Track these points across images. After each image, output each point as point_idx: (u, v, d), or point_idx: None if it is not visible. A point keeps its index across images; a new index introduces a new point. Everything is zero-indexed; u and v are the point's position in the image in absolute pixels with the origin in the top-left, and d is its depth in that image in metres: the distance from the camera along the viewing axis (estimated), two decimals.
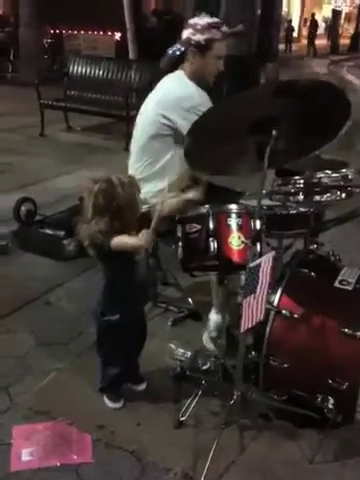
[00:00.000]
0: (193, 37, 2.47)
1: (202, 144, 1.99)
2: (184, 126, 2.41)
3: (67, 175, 5.23)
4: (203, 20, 2.49)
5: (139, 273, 2.11)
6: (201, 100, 2.48)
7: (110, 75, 7.15)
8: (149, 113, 2.58)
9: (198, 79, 2.55)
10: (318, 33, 23.48)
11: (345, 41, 24.15)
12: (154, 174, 2.59)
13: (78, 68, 7.34)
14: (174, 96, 2.48)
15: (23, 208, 3.84)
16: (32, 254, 3.66)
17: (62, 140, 6.86)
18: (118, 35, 12.01)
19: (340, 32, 24.78)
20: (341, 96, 1.90)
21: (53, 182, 5.11)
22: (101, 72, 7.21)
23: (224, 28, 2.51)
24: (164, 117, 2.48)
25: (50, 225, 3.75)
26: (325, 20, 29.30)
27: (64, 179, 5.13)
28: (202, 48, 2.48)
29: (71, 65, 7.39)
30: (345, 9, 31.47)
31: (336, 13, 24.72)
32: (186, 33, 2.51)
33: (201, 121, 1.94)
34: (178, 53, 2.54)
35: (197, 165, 2.21)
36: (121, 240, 1.96)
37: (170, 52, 2.56)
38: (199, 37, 2.46)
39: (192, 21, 2.52)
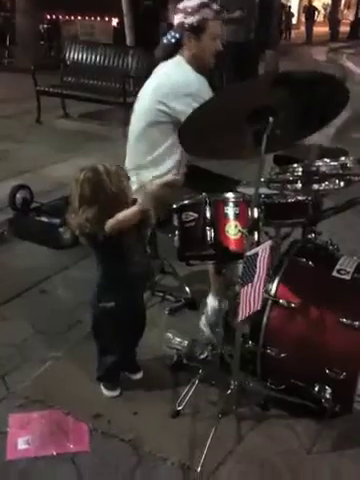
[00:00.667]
0: (185, 20, 2.43)
1: (199, 130, 1.95)
2: (183, 112, 2.38)
3: (64, 162, 5.18)
4: (192, 1, 2.44)
5: (135, 261, 2.08)
6: (200, 86, 2.44)
7: (107, 61, 7.07)
8: (146, 100, 2.54)
9: (198, 63, 2.51)
10: (318, 20, 23.30)
11: (345, 28, 23.94)
12: (152, 162, 2.56)
13: (75, 54, 7.26)
14: (172, 82, 2.44)
15: (19, 196, 3.81)
16: (28, 242, 3.64)
17: (59, 127, 6.80)
18: (115, 21, 11.90)
19: (340, 19, 24.54)
20: (340, 86, 1.87)
21: (49, 169, 5.07)
22: (98, 58, 7.13)
23: (215, 6, 2.46)
24: (162, 104, 2.44)
25: (46, 213, 3.72)
26: (324, 6, 29.06)
27: (60, 166, 5.08)
28: (196, 30, 2.43)
29: (68, 51, 7.30)
30: None
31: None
32: (178, 18, 2.46)
33: (199, 111, 1.90)
34: (174, 40, 2.49)
35: (193, 149, 2.18)
36: (116, 219, 1.92)
37: (165, 41, 2.51)
38: (191, 19, 2.41)
39: (181, 5, 2.46)
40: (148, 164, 2.56)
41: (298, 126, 2.02)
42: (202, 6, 2.42)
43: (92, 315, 2.19)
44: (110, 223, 1.91)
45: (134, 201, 1.98)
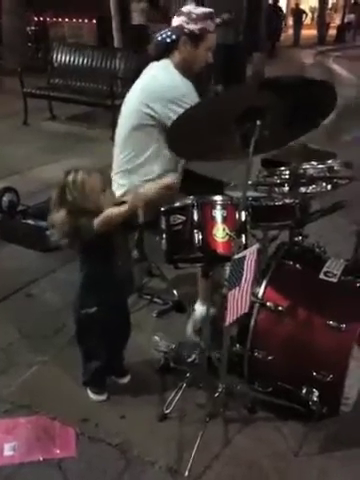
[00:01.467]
0: (187, 26, 2.40)
1: (187, 133, 1.95)
2: (167, 117, 2.37)
3: (50, 165, 5.15)
4: (198, 9, 2.43)
5: (118, 265, 2.07)
6: (186, 91, 2.43)
7: (95, 63, 7.06)
8: (133, 102, 2.52)
9: (186, 68, 2.50)
10: (306, 23, 23.40)
11: (333, 31, 24.11)
12: (139, 166, 2.55)
13: (62, 56, 7.23)
14: (158, 85, 2.43)
15: (5, 198, 3.78)
16: (14, 245, 3.61)
17: (46, 129, 6.77)
18: (93, 21, 11.84)
19: (328, 22, 24.71)
20: (328, 90, 1.87)
21: (36, 172, 5.04)
22: (86, 60, 7.11)
23: (217, 20, 2.47)
24: (147, 106, 2.43)
25: (33, 215, 3.70)
26: (312, 10, 29.21)
27: (48, 169, 5.05)
28: (196, 38, 2.42)
29: (55, 53, 7.27)
30: None
31: (323, 3, 24.62)
32: (178, 20, 2.43)
33: (187, 114, 1.90)
34: (168, 40, 2.47)
35: (181, 151, 2.17)
36: (103, 215, 1.92)
37: (159, 38, 2.49)
38: (193, 27, 2.40)
39: (186, 9, 2.44)
40: (136, 168, 2.55)
41: (287, 128, 2.02)
42: (207, 17, 2.41)
43: (75, 320, 2.18)
44: (97, 220, 1.91)
45: (122, 203, 1.98)
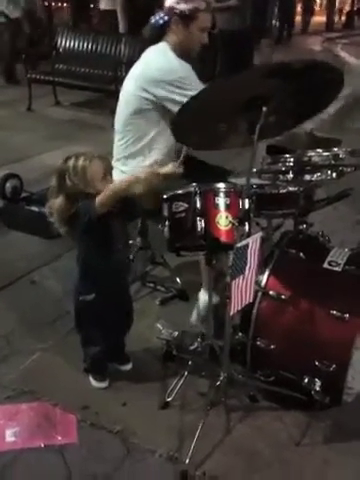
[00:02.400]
0: (177, 6, 2.39)
1: (192, 120, 1.93)
2: (167, 99, 2.35)
3: (55, 151, 5.11)
4: None
5: (116, 250, 2.06)
6: (184, 73, 2.40)
7: (99, 49, 7.00)
8: (131, 88, 2.50)
9: (182, 50, 2.47)
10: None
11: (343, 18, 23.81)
12: (139, 151, 2.53)
13: (67, 42, 7.17)
14: (156, 69, 2.41)
15: (8, 185, 3.76)
16: (18, 232, 3.60)
17: (50, 115, 6.73)
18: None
19: (340, 8, 24.41)
20: (334, 72, 1.84)
21: (40, 158, 5.02)
22: (90, 46, 7.05)
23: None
24: (146, 91, 2.41)
25: (36, 202, 3.67)
26: None
27: (52, 155, 5.01)
28: (186, 18, 2.39)
29: (60, 38, 7.21)
30: None
31: None
32: (170, 1, 2.41)
33: (192, 102, 1.87)
34: (161, 22, 2.44)
35: (185, 139, 2.14)
36: (103, 193, 1.90)
37: (153, 21, 2.47)
38: (183, 6, 2.37)
39: None
40: (136, 154, 2.53)
41: (293, 112, 1.99)
42: None
43: (74, 308, 2.18)
44: (99, 197, 1.89)
45: None
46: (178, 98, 2.33)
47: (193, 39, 2.46)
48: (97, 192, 1.92)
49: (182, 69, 2.42)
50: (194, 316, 2.67)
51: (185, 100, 2.28)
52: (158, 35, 2.48)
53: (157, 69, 2.40)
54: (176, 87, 2.32)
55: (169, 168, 2.06)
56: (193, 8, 2.37)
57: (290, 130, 2.21)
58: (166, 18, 2.44)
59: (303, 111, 2.02)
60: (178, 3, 2.38)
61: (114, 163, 2.61)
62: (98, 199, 1.89)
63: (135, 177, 1.96)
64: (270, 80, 1.75)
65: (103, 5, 8.42)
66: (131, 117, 2.50)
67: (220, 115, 1.89)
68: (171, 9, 2.41)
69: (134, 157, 2.53)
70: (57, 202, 1.94)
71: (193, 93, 2.28)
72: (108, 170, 2.00)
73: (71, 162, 1.93)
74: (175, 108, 2.35)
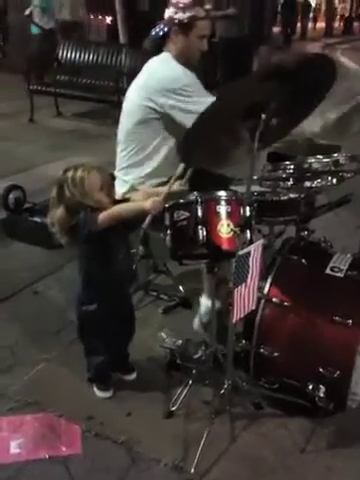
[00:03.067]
0: (175, 16, 2.41)
1: (196, 140, 1.92)
2: (172, 107, 2.36)
3: (57, 162, 5.13)
4: None
5: (118, 262, 2.07)
6: (188, 80, 2.42)
7: (100, 60, 7.05)
8: (134, 98, 2.51)
9: (184, 59, 2.49)
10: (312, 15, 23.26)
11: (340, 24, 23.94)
12: (141, 161, 2.54)
13: (68, 53, 7.23)
14: (160, 78, 2.42)
15: (11, 196, 3.78)
16: (20, 242, 3.61)
17: (52, 126, 6.76)
18: (109, 19, 11.82)
19: (335, 14, 24.53)
20: (327, 62, 1.82)
21: (42, 169, 5.03)
22: (92, 56, 7.10)
23: (207, 6, 2.44)
24: (151, 100, 2.42)
25: (39, 213, 3.69)
26: (319, 2, 28.96)
27: (54, 166, 5.03)
28: (185, 27, 2.41)
29: (61, 50, 7.27)
30: None
31: None
32: (169, 12, 2.44)
33: (200, 119, 1.86)
34: (161, 33, 2.47)
35: (193, 162, 2.09)
36: (114, 209, 1.93)
37: (153, 33, 2.50)
38: (182, 15, 2.39)
39: (175, 0, 2.44)
40: (139, 163, 2.54)
41: (292, 112, 1.97)
42: (194, 4, 2.40)
43: (77, 318, 2.18)
44: (104, 214, 1.91)
45: (124, 201, 1.98)
46: (184, 106, 2.35)
47: (193, 47, 2.48)
48: (95, 203, 1.93)
49: (186, 77, 2.43)
50: (196, 322, 2.67)
51: (190, 107, 2.31)
52: (159, 46, 2.50)
53: (161, 78, 2.42)
54: (181, 95, 2.34)
55: (176, 186, 2.07)
56: (191, 16, 2.40)
57: (291, 130, 2.18)
58: (166, 29, 2.46)
59: (301, 109, 2.00)
60: (176, 13, 2.41)
61: (116, 173, 2.63)
62: (102, 216, 1.90)
63: (142, 205, 1.95)
64: (267, 84, 1.75)
65: (63, 15, 8.60)
66: (135, 127, 2.51)
67: (221, 128, 1.89)
68: (170, 19, 2.44)
69: (136, 167, 2.54)
70: (58, 213, 1.96)
71: (198, 100, 2.31)
72: (106, 181, 2.01)
73: (70, 173, 1.95)
74: (181, 116, 2.37)
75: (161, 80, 2.41)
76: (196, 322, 2.67)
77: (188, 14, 2.39)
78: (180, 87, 2.36)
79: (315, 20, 22.72)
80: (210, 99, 2.25)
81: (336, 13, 23.96)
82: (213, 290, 2.26)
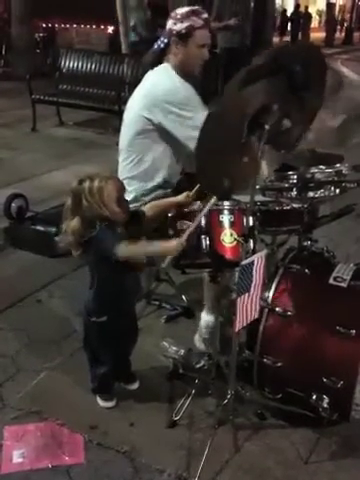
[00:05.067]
0: (174, 27, 2.43)
1: (213, 163, 1.87)
2: (170, 120, 2.37)
3: (59, 170, 5.18)
4: (183, 9, 2.46)
5: (128, 274, 2.06)
6: (186, 93, 2.43)
7: (102, 69, 7.08)
8: (134, 109, 2.53)
9: (184, 71, 2.51)
10: (313, 26, 23.42)
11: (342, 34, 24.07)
12: (144, 171, 2.55)
13: (70, 62, 7.26)
14: (159, 90, 2.44)
15: (14, 205, 3.79)
16: (23, 251, 3.62)
17: (54, 135, 6.79)
18: (111, 28, 11.92)
19: (336, 25, 24.68)
20: (310, 50, 1.84)
21: (45, 178, 5.06)
22: (93, 66, 7.13)
23: (204, 15, 2.46)
24: (149, 112, 2.44)
25: (42, 221, 3.70)
26: (319, 13, 29.19)
27: (56, 174, 5.08)
28: (183, 37, 2.43)
29: (63, 59, 7.30)
30: (340, 1, 31.33)
31: (330, 5, 24.58)
32: (168, 24, 2.47)
33: (203, 140, 1.82)
34: (162, 46, 2.49)
35: (214, 187, 1.99)
36: (139, 249, 1.92)
37: (155, 47, 2.52)
38: (180, 26, 2.42)
39: (173, 12, 2.48)
40: (140, 174, 2.55)
41: (302, 106, 1.95)
42: (191, 14, 2.42)
43: (83, 329, 2.17)
44: (124, 252, 1.86)
45: (142, 212, 1.99)
46: (180, 119, 2.38)
47: (193, 57, 2.49)
48: (112, 214, 1.91)
49: (185, 90, 2.45)
50: (197, 338, 2.65)
51: (187, 121, 2.33)
52: (160, 58, 2.52)
53: (161, 90, 2.44)
54: (178, 108, 2.36)
55: (181, 199, 2.08)
56: (189, 26, 2.41)
57: (310, 124, 2.16)
58: (166, 41, 2.49)
59: (309, 101, 1.97)
60: (175, 24, 2.44)
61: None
62: (123, 249, 1.85)
63: (167, 248, 1.89)
64: (256, 86, 1.73)
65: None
66: (134, 138, 2.53)
67: (234, 145, 1.85)
68: (169, 31, 2.46)
69: (138, 178, 2.55)
70: (72, 224, 1.92)
71: (193, 115, 2.33)
72: (122, 192, 1.99)
73: (87, 184, 1.90)
74: (176, 129, 2.39)
75: (160, 92, 2.43)
76: (197, 338, 2.66)
77: (186, 24, 2.42)
78: (178, 100, 2.38)
79: (315, 30, 22.97)
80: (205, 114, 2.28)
81: (336, 23, 24.14)
82: (214, 302, 2.26)
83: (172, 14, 2.47)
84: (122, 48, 8.07)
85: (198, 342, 2.62)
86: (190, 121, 2.35)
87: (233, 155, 1.90)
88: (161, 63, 2.54)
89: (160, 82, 2.48)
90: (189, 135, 2.32)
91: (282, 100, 1.83)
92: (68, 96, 6.97)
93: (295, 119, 1.95)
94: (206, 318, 2.62)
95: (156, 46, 2.52)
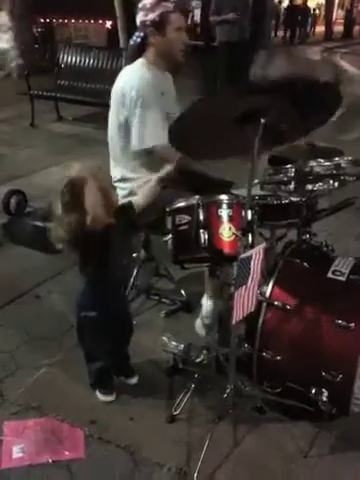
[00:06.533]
0: (147, 18, 2.40)
1: (189, 134, 1.85)
2: (134, 115, 2.37)
3: (58, 166, 5.15)
4: None
5: (119, 265, 2.06)
6: (145, 90, 2.40)
7: (101, 64, 7.06)
8: (111, 109, 2.54)
9: (167, 59, 2.49)
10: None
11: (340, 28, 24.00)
12: (132, 169, 2.54)
13: (69, 57, 7.24)
14: (124, 87, 2.43)
15: (13, 200, 3.79)
16: (22, 247, 3.61)
17: (53, 131, 6.78)
18: (109, 23, 11.88)
19: (334, 19, 24.62)
20: (328, 88, 1.81)
21: (44, 173, 5.05)
22: (92, 61, 7.11)
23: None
24: (119, 109, 2.45)
25: (41, 217, 3.69)
26: (318, 7, 29.06)
27: (55, 170, 5.06)
28: (159, 25, 2.40)
29: (61, 54, 7.28)
30: None
31: None
32: (139, 17, 2.43)
33: (180, 121, 1.81)
34: (139, 40, 2.45)
35: (186, 150, 2.05)
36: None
37: (131, 43, 2.49)
38: (152, 15, 2.38)
39: (140, 4, 2.43)
40: (131, 171, 2.55)
41: (299, 121, 1.95)
42: (161, 0, 2.38)
43: (76, 324, 2.17)
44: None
45: (122, 208, 2.00)
46: (139, 118, 2.39)
47: (174, 42, 2.46)
48: (109, 203, 1.92)
49: (146, 83, 2.42)
50: (198, 324, 2.66)
51: (146, 120, 2.36)
52: (138, 53, 2.49)
53: (127, 87, 2.42)
54: (139, 107, 2.37)
55: (165, 171, 2.09)
56: (162, 13, 2.38)
57: (305, 135, 2.15)
58: (142, 34, 2.45)
59: (310, 117, 1.97)
60: (147, 15, 2.39)
61: (114, 184, 2.63)
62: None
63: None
64: (261, 95, 1.73)
65: None
66: (115, 136, 2.53)
67: (219, 130, 1.86)
68: (143, 23, 2.42)
69: (129, 177, 2.55)
70: (70, 220, 1.88)
71: (153, 115, 2.36)
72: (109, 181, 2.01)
73: (78, 176, 1.88)
74: (135, 127, 2.40)
75: (125, 88, 2.41)
76: (198, 324, 2.67)
77: (158, 12, 2.38)
78: (133, 97, 2.37)
79: (314, 24, 22.95)
80: (161, 117, 2.34)
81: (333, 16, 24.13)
82: (215, 292, 2.26)
83: (140, 6, 2.42)
84: (120, 43, 8.04)
85: (199, 328, 2.62)
86: (148, 120, 2.36)
87: (216, 135, 1.88)
88: (140, 57, 2.50)
89: (125, 77, 2.46)
90: (133, 137, 2.40)
91: (281, 109, 1.82)
92: (67, 91, 6.95)
93: (291, 126, 1.93)
94: (206, 303, 2.62)
95: (132, 42, 2.48)
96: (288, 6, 21.56)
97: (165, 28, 2.41)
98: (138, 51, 2.49)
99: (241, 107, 1.76)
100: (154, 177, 2.10)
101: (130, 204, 2.07)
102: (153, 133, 2.39)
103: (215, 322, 2.29)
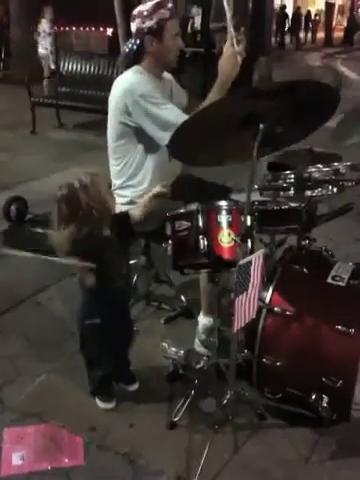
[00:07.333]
0: (144, 25, 2.38)
1: (190, 140, 1.90)
2: (139, 115, 2.35)
3: (59, 173, 5.16)
4: (147, 5, 2.39)
5: (118, 274, 2.06)
6: (150, 87, 2.40)
7: (102, 71, 7.10)
8: (110, 114, 2.52)
9: (162, 65, 2.49)
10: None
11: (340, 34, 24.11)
12: (131, 176, 2.53)
13: (70, 65, 7.29)
14: (125, 88, 2.40)
15: (13, 207, 3.80)
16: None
17: (54, 138, 6.81)
18: (110, 31, 11.92)
19: (334, 25, 24.73)
20: (325, 89, 1.82)
21: (44, 180, 5.06)
22: (93, 68, 7.16)
23: (169, 5, 2.43)
24: (121, 114, 2.41)
25: (41, 224, 3.70)
26: (318, 13, 29.19)
27: (56, 177, 5.06)
28: (156, 32, 2.38)
29: (62, 62, 7.33)
30: (339, 1, 31.35)
31: (329, 6, 24.60)
32: (135, 24, 2.41)
33: (186, 125, 1.85)
34: (135, 47, 2.44)
35: (186, 159, 2.12)
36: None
37: (126, 50, 2.47)
38: (149, 23, 2.37)
39: (136, 11, 2.41)
40: (129, 179, 2.54)
41: (298, 123, 1.96)
42: (157, 7, 2.37)
43: (79, 331, 2.17)
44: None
45: (119, 216, 2.02)
46: (153, 112, 2.34)
47: (171, 48, 2.45)
48: (105, 209, 1.92)
49: (143, 82, 2.41)
50: (197, 343, 2.65)
51: (159, 112, 2.31)
52: (133, 61, 2.48)
53: (127, 87, 2.39)
54: (148, 102, 2.33)
55: (157, 189, 2.09)
56: (159, 20, 2.37)
57: (301, 139, 2.16)
58: (138, 42, 2.43)
59: (308, 121, 1.98)
60: (143, 22, 2.38)
61: (114, 191, 2.62)
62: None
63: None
64: (261, 99, 1.74)
65: None
66: (115, 144, 2.52)
67: (222, 133, 1.88)
68: (140, 30, 2.41)
69: (129, 184, 2.54)
70: (67, 233, 1.90)
71: (166, 107, 2.32)
72: (109, 184, 2.02)
73: (76, 184, 1.89)
74: (149, 124, 2.36)
75: (126, 89, 2.38)
76: (197, 342, 2.65)
77: (155, 19, 2.36)
78: (141, 93, 2.33)
79: (315, 30, 23.07)
80: (177, 110, 2.30)
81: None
82: (213, 301, 2.25)
83: (136, 13, 2.41)
84: (121, 50, 8.07)
85: (198, 346, 2.61)
86: (161, 112, 2.32)
87: (215, 140, 1.89)
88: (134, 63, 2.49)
89: (127, 81, 2.43)
90: (157, 135, 2.34)
91: (281, 111, 1.83)
92: (67, 98, 7.00)
93: (288, 128, 1.94)
94: (203, 321, 2.62)
95: (127, 49, 2.48)
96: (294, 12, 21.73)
97: (162, 35, 2.40)
98: (133, 58, 2.48)
99: (242, 112, 1.77)
100: (153, 190, 2.10)
101: (126, 215, 2.08)
102: (172, 113, 2.32)
103: (215, 332, 2.28)
